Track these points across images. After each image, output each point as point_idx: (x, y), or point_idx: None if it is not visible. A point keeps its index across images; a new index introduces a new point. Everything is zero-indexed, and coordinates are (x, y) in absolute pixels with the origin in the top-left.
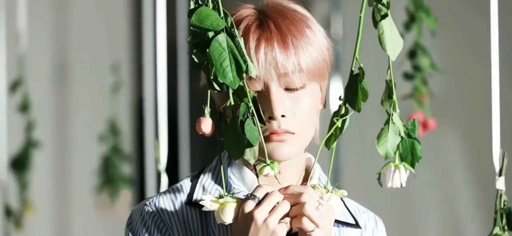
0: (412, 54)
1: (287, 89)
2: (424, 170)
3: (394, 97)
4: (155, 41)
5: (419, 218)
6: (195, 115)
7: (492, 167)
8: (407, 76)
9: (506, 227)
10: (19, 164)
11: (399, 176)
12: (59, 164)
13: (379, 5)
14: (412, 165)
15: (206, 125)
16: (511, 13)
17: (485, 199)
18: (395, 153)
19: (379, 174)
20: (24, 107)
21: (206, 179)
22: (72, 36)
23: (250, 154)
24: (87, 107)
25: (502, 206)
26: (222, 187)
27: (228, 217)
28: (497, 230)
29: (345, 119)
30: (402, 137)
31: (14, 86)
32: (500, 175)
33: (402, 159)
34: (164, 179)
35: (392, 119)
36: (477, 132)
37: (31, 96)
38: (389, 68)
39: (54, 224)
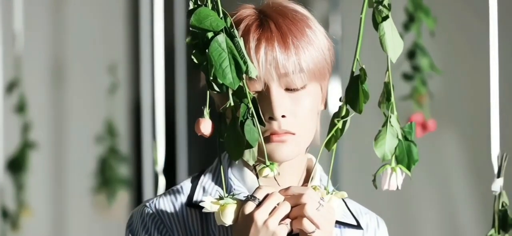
0: (411, 54)
1: (287, 90)
2: (423, 171)
3: (392, 99)
4: (152, 41)
5: (418, 219)
6: (193, 116)
7: (491, 168)
8: (406, 77)
9: (501, 229)
10: (16, 165)
11: (395, 178)
12: (56, 165)
13: (380, 7)
14: (409, 168)
15: (205, 126)
16: (510, 14)
17: (484, 201)
18: (392, 156)
19: (375, 176)
20: (20, 108)
21: (206, 180)
22: (68, 36)
23: (250, 155)
24: (84, 108)
25: (500, 207)
26: (223, 188)
27: (228, 218)
28: (492, 231)
29: (346, 121)
30: (399, 140)
31: (10, 87)
32: (498, 176)
33: (399, 161)
34: (162, 180)
35: (390, 121)
36: (477, 133)
37: (28, 97)
38: (387, 69)
39: (51, 225)
